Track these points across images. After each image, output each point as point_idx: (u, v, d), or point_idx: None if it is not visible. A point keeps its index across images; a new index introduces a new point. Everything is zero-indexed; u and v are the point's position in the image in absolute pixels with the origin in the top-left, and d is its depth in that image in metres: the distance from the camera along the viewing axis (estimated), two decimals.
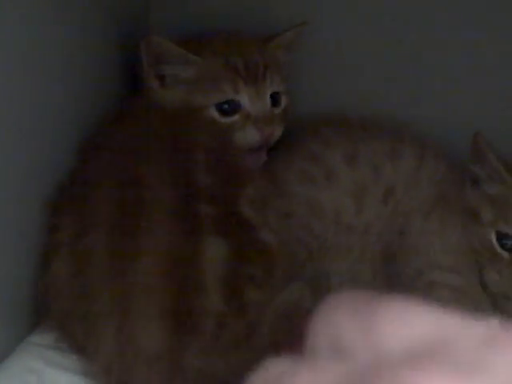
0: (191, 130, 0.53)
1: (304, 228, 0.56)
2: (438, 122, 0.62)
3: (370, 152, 0.58)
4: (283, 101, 0.60)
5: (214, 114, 0.57)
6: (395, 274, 0.54)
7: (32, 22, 0.42)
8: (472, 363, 0.18)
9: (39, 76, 0.44)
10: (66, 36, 0.47)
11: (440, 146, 0.60)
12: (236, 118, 0.57)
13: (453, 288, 0.51)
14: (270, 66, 0.59)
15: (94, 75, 0.54)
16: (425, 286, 0.52)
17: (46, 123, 0.46)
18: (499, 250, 0.51)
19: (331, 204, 0.56)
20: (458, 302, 0.50)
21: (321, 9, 0.63)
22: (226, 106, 0.57)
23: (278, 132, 0.59)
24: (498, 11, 0.59)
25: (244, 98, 0.57)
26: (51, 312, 0.44)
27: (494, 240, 0.51)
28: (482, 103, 0.62)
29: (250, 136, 0.57)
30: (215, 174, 0.48)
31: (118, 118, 0.54)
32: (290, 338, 0.26)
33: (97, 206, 0.45)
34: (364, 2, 0.63)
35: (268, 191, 0.57)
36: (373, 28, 0.63)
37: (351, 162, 0.57)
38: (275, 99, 0.59)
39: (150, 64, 0.57)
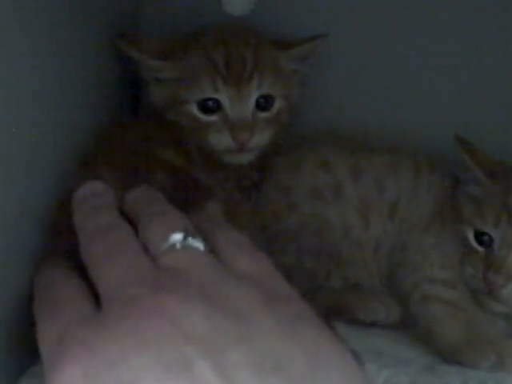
0: (157, 146, 0.53)
1: (317, 238, 0.57)
2: (425, 127, 0.64)
3: (372, 167, 0.59)
4: (277, 105, 0.58)
5: (195, 110, 0.56)
6: (396, 290, 0.54)
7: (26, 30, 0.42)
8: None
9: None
10: (58, 44, 0.46)
11: (432, 154, 0.61)
12: (214, 117, 0.56)
13: (447, 302, 0.53)
14: (261, 66, 0.56)
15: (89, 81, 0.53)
16: (420, 300, 0.54)
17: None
18: (475, 245, 0.54)
19: (340, 219, 0.58)
20: (452, 316, 0.53)
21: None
22: (206, 104, 0.55)
23: (259, 138, 0.56)
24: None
25: (224, 98, 0.55)
26: None
27: (471, 236, 0.54)
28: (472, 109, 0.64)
29: (224, 140, 0.55)
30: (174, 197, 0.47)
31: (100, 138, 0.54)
32: None
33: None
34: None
35: (279, 204, 0.58)
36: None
37: (357, 176, 0.57)
38: (265, 102, 0.57)
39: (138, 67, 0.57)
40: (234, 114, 0.55)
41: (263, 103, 0.57)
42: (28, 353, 0.40)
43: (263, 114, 0.57)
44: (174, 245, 0.28)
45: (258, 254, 0.31)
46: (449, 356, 0.51)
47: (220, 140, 0.56)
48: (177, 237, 0.28)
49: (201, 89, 0.55)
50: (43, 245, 0.45)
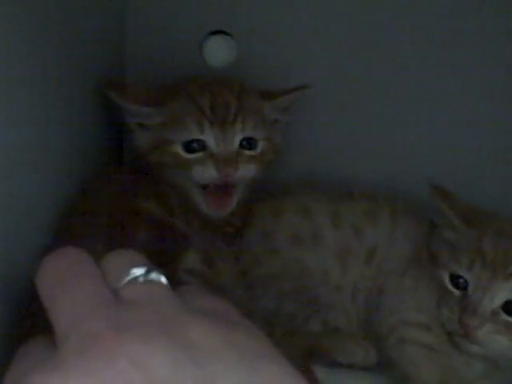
0: (140, 199, 0.54)
1: (296, 283, 0.58)
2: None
3: (351, 213, 0.61)
4: (260, 146, 0.59)
5: (180, 150, 0.57)
6: (373, 334, 0.55)
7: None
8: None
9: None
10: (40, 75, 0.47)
11: (409, 200, 0.63)
12: (200, 155, 0.57)
13: (423, 344, 0.54)
14: (244, 111, 0.58)
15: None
16: (396, 343, 0.55)
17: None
18: (451, 288, 0.55)
19: (319, 264, 0.59)
20: (428, 359, 0.53)
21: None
22: (191, 145, 0.57)
23: (242, 173, 0.57)
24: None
25: (209, 139, 0.57)
26: None
27: (446, 280, 0.55)
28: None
29: (208, 172, 0.56)
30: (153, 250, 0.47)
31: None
32: None
33: None
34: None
35: (259, 249, 0.59)
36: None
37: (336, 223, 0.60)
38: (249, 144, 0.58)
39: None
40: (219, 151, 0.57)
41: (246, 144, 0.59)
42: None
43: (247, 152, 0.59)
44: (135, 278, 0.27)
45: (215, 296, 0.30)
46: None
47: (204, 172, 0.57)
48: (138, 270, 0.28)
49: (187, 131, 0.57)
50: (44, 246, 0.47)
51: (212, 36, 0.65)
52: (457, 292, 0.55)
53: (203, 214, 0.59)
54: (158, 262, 0.44)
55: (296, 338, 0.55)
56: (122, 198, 0.54)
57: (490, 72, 0.64)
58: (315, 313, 0.58)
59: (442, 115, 0.67)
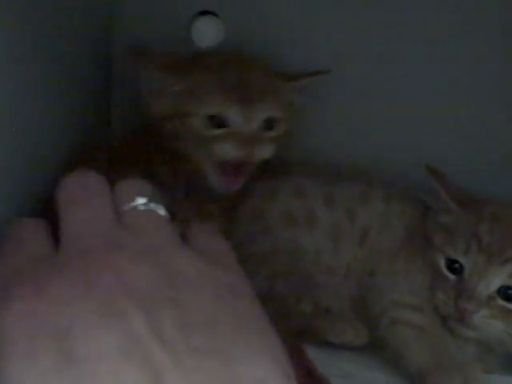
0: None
1: (289, 263, 0.58)
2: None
3: (345, 196, 0.61)
4: (280, 127, 0.60)
5: (201, 125, 0.57)
6: (365, 315, 0.56)
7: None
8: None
9: None
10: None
11: (405, 184, 0.63)
12: (221, 131, 0.57)
13: (415, 326, 0.54)
14: (268, 91, 0.59)
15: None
16: (388, 324, 0.55)
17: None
18: (446, 272, 0.55)
19: (312, 245, 0.59)
20: (420, 340, 0.53)
21: None
22: (214, 120, 0.57)
23: (262, 153, 0.58)
24: None
25: (233, 116, 0.57)
26: None
27: (442, 264, 0.55)
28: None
29: (230, 150, 0.57)
30: None
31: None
32: None
33: None
34: None
35: (253, 227, 0.59)
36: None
37: (330, 204, 0.59)
38: (269, 124, 0.59)
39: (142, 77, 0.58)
40: (242, 129, 0.57)
41: (267, 125, 0.59)
42: None
43: (267, 133, 0.59)
44: (137, 205, 0.30)
45: (219, 238, 0.33)
46: (416, 379, 0.51)
47: (226, 150, 0.57)
48: (141, 199, 0.30)
49: (212, 105, 0.57)
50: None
51: (200, 17, 0.65)
52: (452, 277, 0.55)
53: (207, 188, 0.59)
54: None
55: (288, 319, 0.55)
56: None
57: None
58: (307, 293, 0.57)
59: (451, 106, 0.66)
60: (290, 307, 0.56)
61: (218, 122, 0.57)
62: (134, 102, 0.61)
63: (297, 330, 0.54)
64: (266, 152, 0.59)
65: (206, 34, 0.65)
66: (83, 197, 0.30)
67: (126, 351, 0.24)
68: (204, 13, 0.65)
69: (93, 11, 0.61)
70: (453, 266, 0.55)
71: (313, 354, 0.50)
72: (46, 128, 0.51)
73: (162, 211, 0.31)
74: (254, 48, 0.65)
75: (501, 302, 0.52)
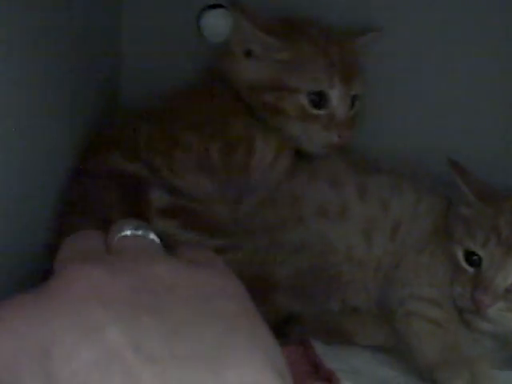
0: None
1: (319, 259, 0.58)
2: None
3: (378, 187, 0.60)
4: (358, 104, 0.60)
5: (305, 101, 0.56)
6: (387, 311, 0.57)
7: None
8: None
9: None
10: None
11: (431, 177, 0.63)
12: (322, 112, 0.57)
13: (430, 320, 0.54)
14: (356, 66, 0.59)
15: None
16: (403, 315, 0.55)
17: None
18: (464, 265, 0.55)
19: (343, 240, 0.59)
20: (432, 334, 0.54)
21: None
22: (316, 97, 0.56)
23: (354, 133, 0.59)
24: None
25: (335, 94, 0.56)
26: None
27: (460, 256, 0.55)
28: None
29: (330, 138, 0.57)
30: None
31: None
32: None
33: None
34: None
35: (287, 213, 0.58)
36: None
37: (363, 196, 0.59)
38: (353, 102, 0.59)
39: (237, 37, 0.57)
40: (339, 110, 0.57)
41: (353, 101, 0.59)
42: None
43: (351, 112, 0.59)
44: (125, 234, 0.31)
45: (206, 250, 0.33)
46: (425, 373, 0.52)
47: (326, 139, 0.58)
48: (128, 228, 0.32)
49: (316, 81, 0.56)
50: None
51: (209, 10, 0.65)
52: (470, 269, 0.55)
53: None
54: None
55: (318, 318, 0.56)
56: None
57: None
58: (335, 291, 0.58)
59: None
60: (318, 305, 0.57)
61: (321, 101, 0.56)
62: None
63: (325, 330, 0.55)
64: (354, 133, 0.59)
65: (217, 27, 0.64)
66: (78, 234, 0.32)
67: (105, 366, 0.24)
68: (214, 6, 0.65)
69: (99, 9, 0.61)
70: (471, 258, 0.55)
71: (322, 349, 0.51)
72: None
73: (150, 234, 0.32)
74: None
75: None
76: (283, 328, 0.53)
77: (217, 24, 0.64)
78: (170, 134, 0.56)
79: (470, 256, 0.55)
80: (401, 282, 0.57)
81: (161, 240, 0.32)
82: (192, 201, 0.54)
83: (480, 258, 0.54)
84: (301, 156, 0.62)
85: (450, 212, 0.59)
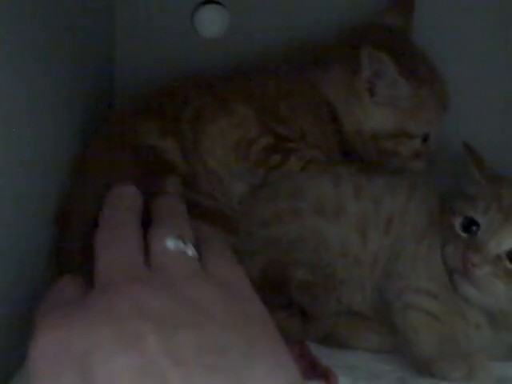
0: None
1: (314, 255, 0.58)
2: None
3: (372, 186, 0.60)
4: None
5: (419, 143, 0.58)
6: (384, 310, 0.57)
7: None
8: None
9: None
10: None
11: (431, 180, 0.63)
12: (422, 148, 0.59)
13: (427, 312, 0.54)
14: None
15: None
16: (401, 308, 0.55)
17: None
18: (461, 232, 0.55)
19: (338, 238, 0.59)
20: (429, 326, 0.54)
21: None
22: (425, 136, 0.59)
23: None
24: None
25: (434, 131, 0.59)
26: None
27: (458, 224, 0.55)
28: None
29: (422, 167, 0.60)
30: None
31: None
32: None
33: None
34: None
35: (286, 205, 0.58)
36: None
37: (358, 195, 0.60)
38: None
39: (366, 75, 0.56)
40: (433, 145, 0.61)
41: None
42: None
43: None
44: (167, 248, 0.34)
45: (233, 263, 0.36)
46: (422, 366, 0.52)
47: (419, 167, 0.61)
48: (171, 242, 0.34)
49: (430, 124, 0.58)
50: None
51: (204, 6, 0.64)
52: (464, 235, 0.55)
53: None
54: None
55: (313, 323, 0.56)
56: None
57: None
58: (331, 290, 0.57)
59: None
60: (320, 306, 0.56)
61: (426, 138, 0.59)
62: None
63: (322, 336, 0.55)
64: None
65: (211, 23, 0.64)
66: (116, 238, 0.34)
67: (140, 370, 0.26)
68: (208, 2, 0.64)
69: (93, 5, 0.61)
70: (470, 227, 0.55)
71: (316, 348, 0.51)
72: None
73: (189, 251, 0.34)
74: (259, 37, 0.64)
75: (508, 264, 0.52)
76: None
77: (211, 20, 0.64)
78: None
79: (469, 225, 0.55)
80: (398, 275, 0.57)
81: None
82: (205, 196, 0.54)
83: (478, 226, 0.54)
84: None
85: (453, 195, 0.60)
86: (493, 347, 0.55)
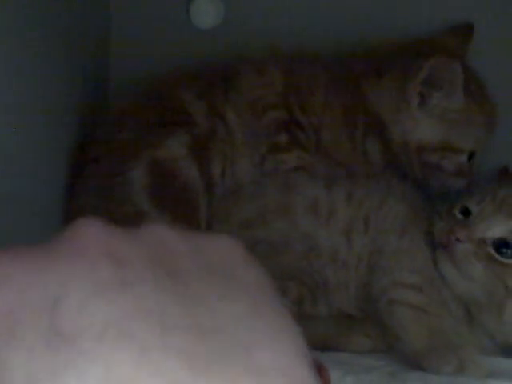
0: None
1: (303, 260, 0.58)
2: None
3: (361, 192, 0.61)
4: None
5: (465, 159, 0.58)
6: (369, 308, 0.57)
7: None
8: None
9: None
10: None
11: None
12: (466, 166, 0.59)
13: (413, 306, 0.54)
14: None
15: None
16: (387, 304, 0.55)
17: None
18: (457, 214, 0.56)
19: (328, 243, 0.59)
20: (417, 321, 0.54)
21: None
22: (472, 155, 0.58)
23: None
24: None
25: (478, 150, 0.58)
26: None
27: (457, 210, 0.56)
28: None
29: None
30: None
31: None
32: None
33: None
34: None
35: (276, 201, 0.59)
36: None
37: (349, 200, 0.60)
38: None
39: (422, 81, 0.55)
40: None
41: None
42: None
43: None
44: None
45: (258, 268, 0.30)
46: (412, 360, 0.52)
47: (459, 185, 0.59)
48: None
49: (478, 141, 0.58)
50: None
51: None
52: (460, 216, 0.56)
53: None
54: None
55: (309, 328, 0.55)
56: None
57: None
58: (321, 294, 0.58)
59: None
60: (306, 309, 0.57)
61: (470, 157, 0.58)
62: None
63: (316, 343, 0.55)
64: None
65: (206, 14, 0.64)
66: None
67: (117, 328, 0.20)
68: None
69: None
70: (462, 209, 0.56)
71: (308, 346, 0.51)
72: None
73: None
74: (254, 29, 0.64)
75: (491, 250, 0.53)
76: None
77: (206, 11, 0.64)
78: None
79: (463, 213, 0.56)
80: (382, 271, 0.57)
81: None
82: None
83: (471, 214, 0.55)
84: None
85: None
86: (482, 342, 0.55)
